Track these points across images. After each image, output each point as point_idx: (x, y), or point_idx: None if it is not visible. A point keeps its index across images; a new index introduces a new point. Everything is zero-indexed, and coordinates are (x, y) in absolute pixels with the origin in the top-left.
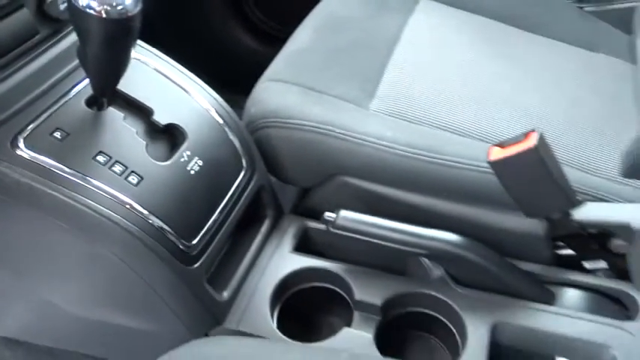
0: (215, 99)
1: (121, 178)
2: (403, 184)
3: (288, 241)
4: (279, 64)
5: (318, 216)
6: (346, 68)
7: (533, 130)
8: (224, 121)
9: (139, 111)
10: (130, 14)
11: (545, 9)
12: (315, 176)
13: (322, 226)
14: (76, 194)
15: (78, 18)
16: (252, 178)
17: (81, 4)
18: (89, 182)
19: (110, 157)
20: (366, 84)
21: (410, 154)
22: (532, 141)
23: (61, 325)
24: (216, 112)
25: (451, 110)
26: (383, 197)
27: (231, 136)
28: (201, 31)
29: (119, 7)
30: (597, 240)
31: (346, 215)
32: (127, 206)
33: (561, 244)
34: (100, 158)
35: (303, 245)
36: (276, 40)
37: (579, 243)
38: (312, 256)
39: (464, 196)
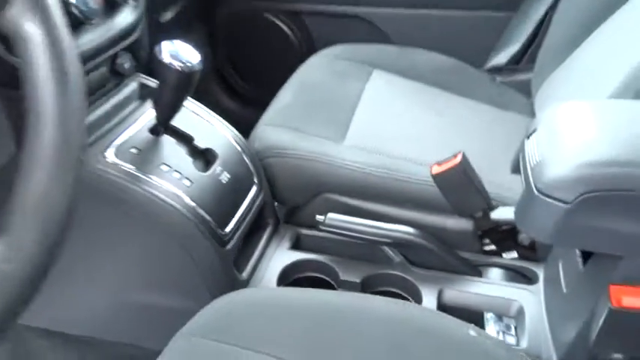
0: (234, 132)
1: (179, 181)
2: (371, 196)
3: (286, 242)
4: (270, 114)
5: (307, 225)
6: (323, 117)
7: (459, 152)
8: (241, 148)
9: (184, 138)
10: (195, 70)
11: (467, 78)
12: (305, 195)
13: (312, 232)
14: (149, 188)
15: (162, 70)
16: (260, 193)
17: (166, 61)
18: (158, 182)
19: (170, 167)
20: (339, 128)
21: (376, 173)
22: (458, 159)
23: (103, 314)
24: (235, 141)
25: (401, 145)
26: (355, 208)
27: (247, 160)
28: None
29: (189, 65)
30: (510, 234)
31: (333, 216)
32: (184, 199)
33: (487, 241)
34: (163, 167)
35: (297, 246)
36: (250, 102)
37: (498, 238)
38: (305, 252)
39: (415, 202)
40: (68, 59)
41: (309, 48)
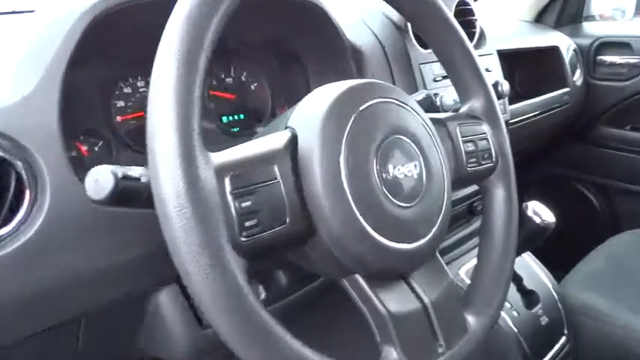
0: (552, 280)
1: (510, 310)
2: None
3: None
4: (582, 274)
5: None
6: (635, 292)
7: None
8: (558, 298)
9: (515, 276)
10: (550, 226)
11: None
12: None
13: None
14: None
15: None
16: (567, 344)
17: (529, 215)
18: None
19: None
20: None
21: None
22: None
23: None
24: (554, 290)
25: None
26: None
27: (562, 312)
28: None
29: (547, 222)
30: None
31: None
32: (509, 324)
33: None
34: None
35: None
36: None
37: None
38: None
39: None
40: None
41: (614, 221)
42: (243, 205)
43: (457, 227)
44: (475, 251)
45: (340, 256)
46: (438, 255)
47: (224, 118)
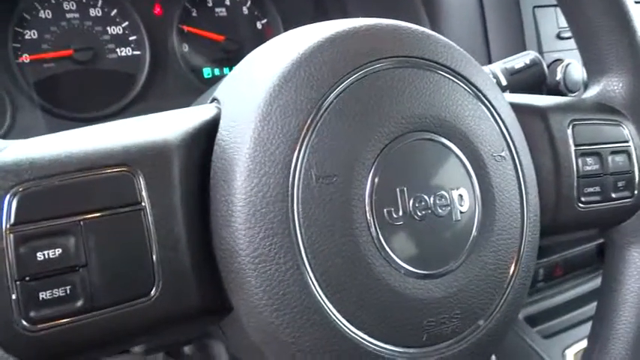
0: None
1: None
2: None
3: None
4: None
5: None
6: None
7: None
8: None
9: None
10: None
11: None
12: None
13: None
14: None
15: None
16: None
17: None
18: None
19: None
20: None
21: None
22: None
23: None
24: None
25: None
26: None
27: None
28: None
29: None
30: None
31: None
32: None
33: None
34: None
35: None
36: None
37: None
38: None
39: None
40: None
41: None
42: (42, 255)
43: (572, 279)
44: None
45: None
46: None
47: (205, 71)
